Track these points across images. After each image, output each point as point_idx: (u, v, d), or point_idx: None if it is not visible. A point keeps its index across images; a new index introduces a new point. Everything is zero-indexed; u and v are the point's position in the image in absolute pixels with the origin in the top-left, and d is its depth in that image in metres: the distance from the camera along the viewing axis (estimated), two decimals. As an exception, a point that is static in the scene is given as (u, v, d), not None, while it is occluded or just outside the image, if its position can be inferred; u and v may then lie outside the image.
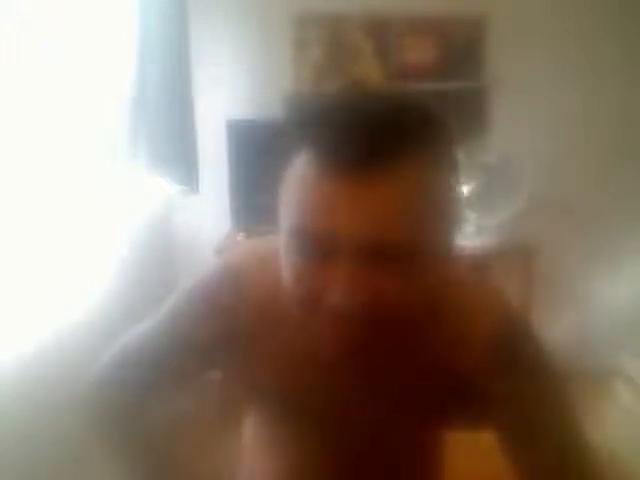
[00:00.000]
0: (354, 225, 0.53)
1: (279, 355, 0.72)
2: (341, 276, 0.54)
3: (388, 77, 2.58)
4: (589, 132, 2.61)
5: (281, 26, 2.53)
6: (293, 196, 0.57)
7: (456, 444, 0.95)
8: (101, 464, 0.88)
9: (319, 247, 0.55)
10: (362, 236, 0.53)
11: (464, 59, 2.61)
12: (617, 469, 1.75)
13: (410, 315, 0.58)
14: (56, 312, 1.58)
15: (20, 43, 1.46)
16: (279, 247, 0.61)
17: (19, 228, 1.44)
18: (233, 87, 2.57)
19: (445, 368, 0.69)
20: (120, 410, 0.82)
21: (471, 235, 2.39)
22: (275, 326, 0.71)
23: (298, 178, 0.57)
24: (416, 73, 2.59)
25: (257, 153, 2.40)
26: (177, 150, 2.19)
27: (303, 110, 0.61)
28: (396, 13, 2.53)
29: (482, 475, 1.44)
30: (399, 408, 0.73)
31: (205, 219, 2.62)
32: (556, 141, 2.57)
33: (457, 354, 0.68)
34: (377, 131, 0.53)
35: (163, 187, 2.28)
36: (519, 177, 2.39)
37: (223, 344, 0.73)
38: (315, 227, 0.54)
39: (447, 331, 0.68)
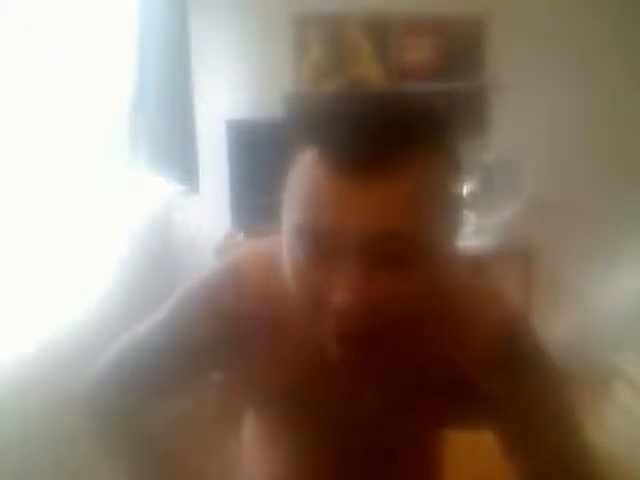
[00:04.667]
0: (357, 223, 0.53)
1: (279, 355, 0.72)
2: (344, 274, 0.54)
3: (388, 77, 2.58)
4: (589, 132, 2.61)
5: (281, 26, 2.53)
6: (296, 194, 0.57)
7: (456, 444, 0.95)
8: (101, 464, 0.88)
9: (322, 245, 0.55)
10: (365, 234, 0.53)
11: (464, 59, 2.61)
12: (617, 469, 1.75)
13: (412, 312, 0.58)
14: (56, 312, 1.58)
15: (20, 43, 1.47)
16: (279, 247, 0.61)
17: (19, 228, 1.45)
18: (233, 87, 2.57)
19: (445, 368, 0.69)
20: (120, 410, 0.82)
21: (471, 235, 2.39)
22: (275, 326, 0.71)
23: (302, 176, 0.57)
24: (416, 73, 2.59)
25: (257, 153, 2.40)
26: (177, 150, 2.19)
27: (305, 109, 0.61)
28: (396, 13, 2.53)
29: (482, 475, 1.44)
30: (399, 408, 0.73)
31: (205, 219, 2.62)
32: (556, 141, 2.57)
33: (457, 354, 0.68)
34: (380, 129, 0.53)
35: (163, 187, 2.28)
36: (519, 177, 2.39)
37: (223, 344, 0.72)
38: (318, 225, 0.54)
39: (447, 331, 0.68)
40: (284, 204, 0.59)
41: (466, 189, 2.34)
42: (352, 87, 0.63)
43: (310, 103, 0.61)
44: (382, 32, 2.57)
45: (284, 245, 0.60)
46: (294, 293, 0.59)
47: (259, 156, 2.35)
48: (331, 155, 0.53)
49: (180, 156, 2.20)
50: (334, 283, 0.55)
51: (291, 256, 0.58)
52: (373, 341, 0.59)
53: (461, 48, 2.60)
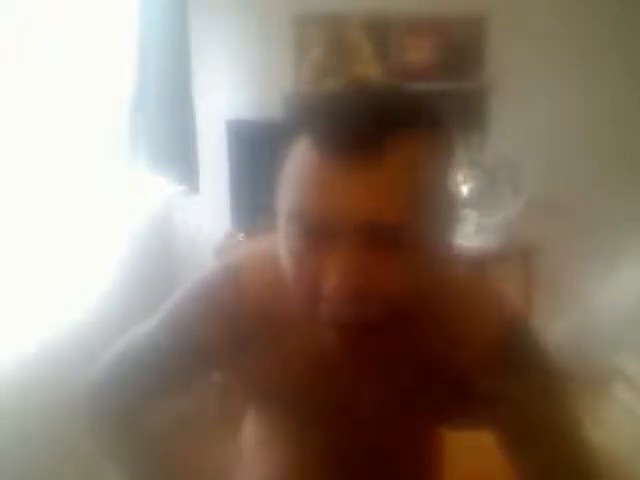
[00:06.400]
0: (350, 208, 0.53)
1: (279, 355, 0.72)
2: (336, 259, 0.55)
3: (388, 77, 2.57)
4: (589, 132, 2.61)
5: (281, 26, 2.53)
6: (291, 180, 0.57)
7: (456, 444, 0.95)
8: (101, 464, 0.88)
9: (315, 231, 0.55)
10: (358, 218, 0.53)
11: (464, 59, 2.61)
12: (617, 469, 1.75)
13: (406, 300, 0.58)
14: (56, 312, 1.58)
15: (20, 43, 1.47)
16: (279, 246, 0.61)
17: (19, 228, 1.45)
18: (233, 87, 2.57)
19: (445, 368, 0.69)
20: (120, 410, 0.82)
21: (471, 235, 2.39)
22: (275, 326, 0.71)
23: (295, 162, 0.57)
24: (416, 73, 2.59)
25: (257, 153, 2.40)
26: (177, 150, 2.19)
27: (302, 102, 0.62)
28: (396, 13, 2.53)
29: (482, 475, 1.44)
30: (399, 408, 0.73)
31: (205, 219, 2.62)
32: (556, 141, 2.57)
33: (457, 354, 0.68)
34: (373, 116, 0.54)
35: (163, 187, 2.28)
36: (519, 177, 2.39)
37: (223, 344, 0.73)
38: (312, 210, 0.55)
39: (447, 331, 0.68)
40: (280, 191, 0.60)
41: (466, 189, 2.34)
42: (349, 86, 0.63)
43: (309, 101, 0.61)
44: (382, 32, 2.57)
45: (280, 232, 0.60)
46: (291, 283, 0.59)
47: (259, 156, 2.35)
48: (323, 141, 0.54)
49: (180, 156, 2.20)
50: (327, 268, 0.55)
51: (286, 243, 0.59)
52: (370, 329, 0.58)
53: (461, 48, 2.59)
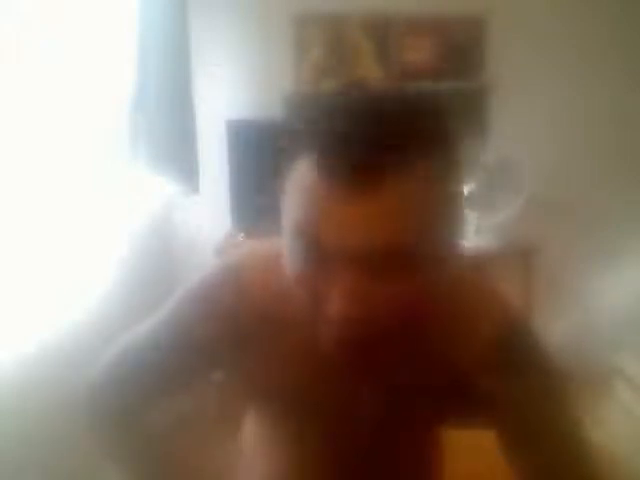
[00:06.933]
0: (354, 235, 0.52)
1: (279, 355, 0.72)
2: (341, 284, 0.54)
3: (388, 77, 2.58)
4: (589, 132, 2.61)
5: (281, 26, 2.53)
6: (293, 200, 0.56)
7: (456, 444, 0.95)
8: (101, 464, 0.88)
9: (319, 254, 0.54)
10: (363, 246, 0.52)
11: (464, 59, 2.61)
12: (617, 469, 1.75)
13: (410, 319, 0.58)
14: (56, 312, 1.58)
15: (20, 43, 1.47)
16: (279, 247, 0.61)
17: (19, 228, 1.45)
18: (233, 87, 2.57)
19: (445, 368, 0.69)
20: (120, 410, 0.82)
21: (471, 235, 2.39)
22: (275, 326, 0.71)
23: (299, 183, 0.56)
24: (416, 73, 2.59)
25: (257, 153, 2.40)
26: (177, 150, 2.19)
27: (303, 112, 0.60)
28: (396, 13, 2.53)
29: (482, 475, 1.44)
30: (399, 408, 0.74)
31: (205, 219, 2.62)
32: (556, 141, 2.57)
33: (457, 354, 0.68)
34: (373, 142, 0.51)
35: (163, 187, 2.28)
36: (519, 177, 2.39)
37: (223, 344, 0.73)
38: (314, 235, 0.54)
39: (447, 331, 0.68)
40: (283, 207, 0.59)
41: (466, 189, 2.34)
42: (351, 88, 0.62)
43: (310, 104, 0.60)
44: (382, 32, 2.57)
45: (285, 246, 0.60)
46: (293, 293, 0.59)
47: (259, 156, 2.35)
48: (327, 161, 0.52)
49: (180, 156, 2.20)
50: (331, 292, 0.54)
51: (290, 259, 0.58)
52: (371, 347, 0.59)
53: (461, 48, 2.60)
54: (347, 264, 0.53)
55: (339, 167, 0.51)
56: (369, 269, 0.53)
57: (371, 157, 0.51)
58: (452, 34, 2.59)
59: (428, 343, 0.68)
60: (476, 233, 2.42)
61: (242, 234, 2.45)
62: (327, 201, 0.52)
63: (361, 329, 0.56)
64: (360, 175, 0.51)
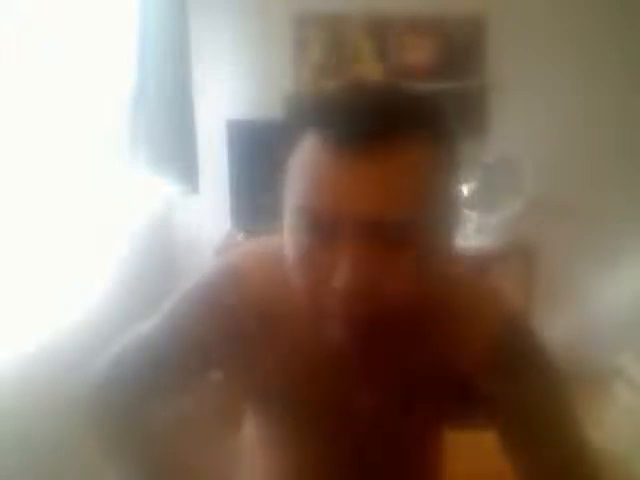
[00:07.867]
0: (356, 204, 0.54)
1: (279, 355, 0.72)
2: (344, 256, 0.55)
3: (388, 77, 2.58)
4: (589, 132, 2.61)
5: (281, 26, 2.53)
6: (297, 176, 0.58)
7: (456, 444, 0.95)
8: (101, 464, 0.88)
9: (323, 227, 0.56)
10: (364, 215, 0.54)
11: (464, 59, 2.61)
12: (617, 469, 1.75)
13: (412, 298, 0.58)
14: (56, 312, 1.58)
15: (20, 43, 1.46)
16: (279, 246, 0.61)
17: (19, 228, 1.45)
18: (233, 87, 2.57)
19: (445, 368, 0.69)
20: (120, 410, 0.82)
21: (471, 235, 2.39)
22: (275, 326, 0.71)
23: (302, 158, 0.57)
24: (416, 73, 2.59)
25: (257, 153, 2.40)
26: (177, 150, 2.19)
27: (308, 100, 0.62)
28: (396, 13, 2.53)
29: (482, 475, 1.44)
30: (399, 408, 0.73)
31: (205, 219, 2.62)
32: (556, 141, 2.57)
33: (457, 354, 0.68)
34: (377, 112, 0.54)
35: (163, 187, 2.28)
36: (519, 177, 2.39)
37: (223, 344, 0.73)
38: (318, 208, 0.55)
39: (447, 331, 0.69)
40: (286, 186, 0.60)
41: (467, 189, 2.34)
42: (354, 84, 0.63)
43: (316, 99, 0.62)
44: (382, 32, 2.57)
45: (286, 227, 0.60)
46: (296, 277, 0.59)
47: (259, 156, 2.35)
48: (331, 138, 0.54)
49: (180, 156, 2.20)
50: (335, 265, 0.55)
51: (292, 236, 0.59)
52: (376, 326, 0.59)
53: (461, 48, 2.59)
54: (350, 236, 0.54)
55: (342, 141, 0.53)
56: (371, 241, 0.54)
57: (376, 133, 0.53)
58: (452, 34, 2.58)
59: (428, 343, 0.68)
60: (477, 232, 2.42)
61: (242, 234, 2.45)
62: (333, 171, 0.54)
63: (365, 304, 0.56)
64: (365, 150, 0.53)
